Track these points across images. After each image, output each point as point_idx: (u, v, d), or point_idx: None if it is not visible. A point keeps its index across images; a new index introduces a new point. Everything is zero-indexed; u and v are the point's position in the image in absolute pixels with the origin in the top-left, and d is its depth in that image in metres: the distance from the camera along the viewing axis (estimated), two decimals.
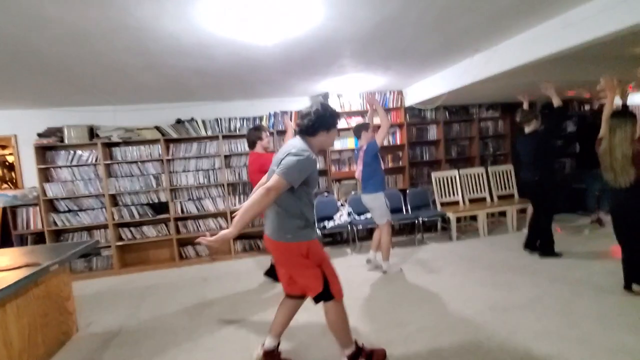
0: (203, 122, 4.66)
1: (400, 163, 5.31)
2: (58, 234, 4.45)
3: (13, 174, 5.20)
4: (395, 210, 4.85)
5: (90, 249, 3.03)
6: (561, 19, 2.53)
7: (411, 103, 5.00)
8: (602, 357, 2.03)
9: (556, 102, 3.52)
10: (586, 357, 2.04)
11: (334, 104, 4.95)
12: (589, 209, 5.02)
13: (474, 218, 5.05)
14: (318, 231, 4.39)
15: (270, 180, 1.75)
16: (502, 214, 5.15)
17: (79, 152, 4.40)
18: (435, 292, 3.09)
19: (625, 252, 2.75)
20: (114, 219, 4.46)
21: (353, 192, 4.98)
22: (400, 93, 5.15)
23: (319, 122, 1.92)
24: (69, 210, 4.42)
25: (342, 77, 4.02)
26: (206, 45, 2.61)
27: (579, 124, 5.84)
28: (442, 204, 5.04)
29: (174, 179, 4.65)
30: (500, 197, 5.21)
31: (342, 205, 4.87)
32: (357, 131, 3.64)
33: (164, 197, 4.64)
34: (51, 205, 4.39)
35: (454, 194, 5.11)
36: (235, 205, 4.72)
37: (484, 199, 5.18)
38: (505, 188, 5.25)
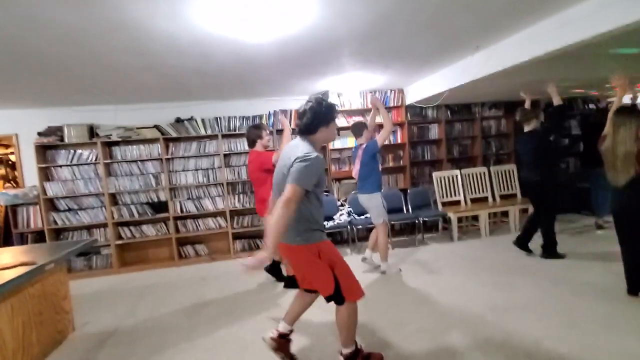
0: (202, 121, 4.65)
1: (401, 162, 5.27)
2: (58, 233, 4.46)
3: (16, 173, 5.23)
4: (395, 210, 4.81)
5: (87, 247, 3.02)
6: (560, 17, 2.50)
7: (412, 101, 4.95)
8: None
9: (556, 100, 3.53)
10: None
11: (334, 102, 4.92)
12: (593, 209, 4.94)
13: (475, 218, 5.00)
14: None
15: (286, 191, 1.76)
16: (505, 214, 5.08)
17: (79, 151, 4.41)
18: (435, 293, 3.06)
19: (626, 254, 2.69)
20: (113, 217, 4.46)
21: (353, 192, 4.94)
22: (401, 91, 5.10)
23: (317, 118, 1.90)
24: (69, 209, 4.43)
25: (341, 76, 3.98)
26: (202, 44, 2.60)
27: (583, 122, 5.75)
28: (444, 204, 4.99)
29: (173, 178, 4.64)
30: (502, 197, 5.15)
31: (341, 205, 4.84)
32: (358, 130, 3.60)
33: (163, 196, 4.64)
34: (51, 204, 4.40)
35: (455, 194, 5.06)
36: (234, 204, 4.71)
37: (486, 199, 5.12)
38: (507, 188, 5.19)
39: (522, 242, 3.82)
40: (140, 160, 4.57)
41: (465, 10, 2.34)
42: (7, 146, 5.80)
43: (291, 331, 2.21)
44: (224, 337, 2.61)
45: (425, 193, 5.09)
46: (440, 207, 4.95)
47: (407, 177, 5.26)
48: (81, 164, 4.43)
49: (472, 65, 3.44)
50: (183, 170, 4.66)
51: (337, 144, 5.03)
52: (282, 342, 2.15)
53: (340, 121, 5.04)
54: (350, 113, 5.08)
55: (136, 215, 4.54)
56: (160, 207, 4.61)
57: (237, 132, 4.70)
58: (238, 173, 4.73)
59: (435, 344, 2.29)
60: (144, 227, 4.62)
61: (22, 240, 4.32)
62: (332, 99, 4.85)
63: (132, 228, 4.58)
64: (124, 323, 2.99)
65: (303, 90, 4.56)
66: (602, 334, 2.24)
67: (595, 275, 3.15)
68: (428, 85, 4.44)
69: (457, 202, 5.04)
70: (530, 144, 3.67)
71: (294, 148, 1.88)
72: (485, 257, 3.91)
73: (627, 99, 2.90)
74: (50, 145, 4.34)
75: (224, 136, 4.69)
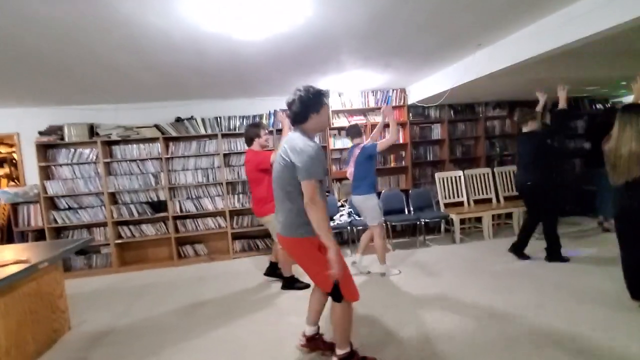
0: (202, 120, 4.63)
1: (403, 163, 5.20)
2: (58, 231, 4.47)
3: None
4: (397, 210, 4.76)
5: (83, 246, 3.02)
6: (564, 12, 2.44)
7: (414, 101, 4.89)
8: None
9: (561, 104, 3.51)
10: None
11: (334, 102, 4.89)
12: (598, 210, 4.82)
13: (478, 220, 4.92)
14: None
15: (304, 192, 1.80)
16: (509, 216, 4.99)
17: (79, 150, 4.42)
18: (434, 296, 3.00)
19: (627, 257, 2.60)
20: (113, 217, 4.47)
21: None
22: (403, 91, 5.04)
23: (306, 106, 1.89)
24: (69, 208, 4.44)
25: (342, 75, 3.95)
26: (197, 41, 2.57)
27: (590, 122, 5.64)
28: (446, 205, 4.91)
29: (172, 178, 4.63)
30: (506, 199, 5.05)
31: (342, 205, 4.79)
32: (353, 132, 3.55)
33: (162, 195, 4.63)
34: (51, 203, 4.42)
35: (458, 195, 4.98)
36: (234, 204, 4.69)
37: (489, 201, 5.04)
38: (512, 189, 5.09)
39: (517, 249, 3.77)
40: (140, 160, 4.57)
41: (466, 8, 2.30)
42: (10, 145, 5.84)
43: (318, 330, 2.26)
44: (221, 337, 2.59)
45: (427, 194, 5.02)
46: (442, 208, 4.88)
47: (409, 178, 5.20)
48: (81, 163, 4.44)
49: (474, 63, 3.38)
50: (183, 170, 4.65)
51: (338, 144, 4.99)
52: (314, 343, 2.22)
53: (341, 121, 4.99)
54: (351, 112, 5.04)
55: (136, 214, 4.54)
56: (159, 206, 4.60)
57: (237, 131, 4.68)
58: (238, 173, 4.71)
59: (432, 348, 2.24)
60: (144, 227, 4.62)
61: (23, 238, 4.34)
62: (332, 98, 4.80)
63: (131, 227, 4.58)
64: (121, 322, 2.97)
65: None
66: (604, 340, 2.17)
67: (599, 280, 3.07)
68: (430, 84, 4.38)
69: (460, 204, 4.96)
70: (530, 144, 3.63)
71: (290, 141, 1.89)
72: (487, 259, 3.84)
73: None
74: (50, 144, 4.35)
75: (223, 136, 4.67)
